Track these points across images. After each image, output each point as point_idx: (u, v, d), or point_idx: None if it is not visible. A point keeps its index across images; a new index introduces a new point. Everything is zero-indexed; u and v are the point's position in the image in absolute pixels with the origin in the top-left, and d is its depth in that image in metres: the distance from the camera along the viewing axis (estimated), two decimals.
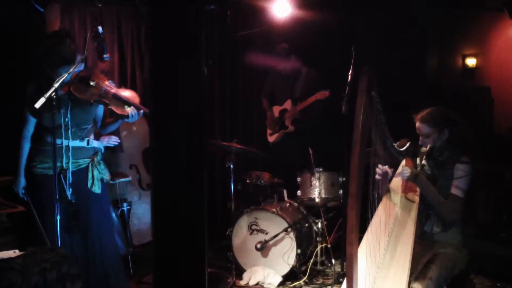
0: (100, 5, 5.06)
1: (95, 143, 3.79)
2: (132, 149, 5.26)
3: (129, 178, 5.01)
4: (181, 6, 2.01)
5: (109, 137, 4.50)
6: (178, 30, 2.02)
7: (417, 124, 3.42)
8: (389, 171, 3.43)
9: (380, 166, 3.39)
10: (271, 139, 6.04)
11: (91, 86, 3.57)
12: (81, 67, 3.66)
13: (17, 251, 2.82)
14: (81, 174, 3.68)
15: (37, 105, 3.18)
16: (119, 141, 4.57)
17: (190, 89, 2.03)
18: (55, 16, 4.82)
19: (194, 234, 2.14)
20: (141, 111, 3.73)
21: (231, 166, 4.94)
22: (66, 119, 3.57)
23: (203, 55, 2.03)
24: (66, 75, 3.39)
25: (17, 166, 3.62)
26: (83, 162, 3.71)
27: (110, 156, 4.88)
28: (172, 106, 2.05)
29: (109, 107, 3.66)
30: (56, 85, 3.30)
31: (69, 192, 3.56)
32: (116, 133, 4.70)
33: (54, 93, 3.25)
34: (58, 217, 3.32)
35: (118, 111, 3.68)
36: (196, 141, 2.07)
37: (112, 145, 4.48)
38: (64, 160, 3.58)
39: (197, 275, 2.16)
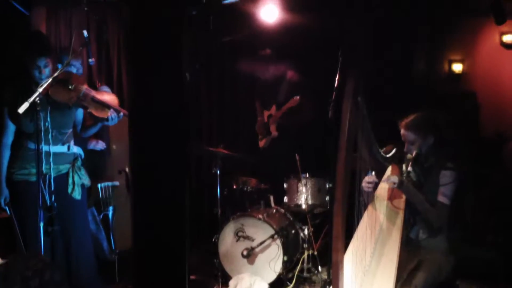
0: (86, 8, 5.03)
1: (75, 149, 3.75)
2: (121, 154, 5.22)
3: (117, 183, 4.96)
4: (160, 9, 1.99)
5: (96, 141, 4.47)
6: (158, 34, 2.00)
7: (402, 131, 3.42)
8: (375, 179, 3.42)
9: (367, 177, 3.36)
10: (260, 144, 6.03)
11: (70, 89, 3.53)
12: (74, 69, 3.62)
13: None
14: (61, 180, 3.65)
15: (21, 110, 3.15)
16: (105, 146, 4.54)
17: (170, 93, 2.00)
18: (40, 19, 4.77)
19: (174, 240, 2.11)
20: (121, 113, 3.71)
21: (218, 171, 4.91)
22: (46, 123, 3.53)
23: (184, 58, 2.01)
24: (50, 79, 3.36)
25: None
26: (64, 167, 3.68)
27: (97, 159, 4.83)
28: (151, 110, 2.03)
29: (88, 110, 3.63)
30: (40, 89, 3.27)
31: (48, 198, 3.51)
32: (105, 137, 4.67)
33: (37, 98, 3.21)
34: (42, 224, 3.28)
35: (97, 114, 3.65)
36: (177, 145, 2.05)
37: (99, 149, 4.45)
38: (45, 166, 3.53)
39: (178, 283, 2.13)
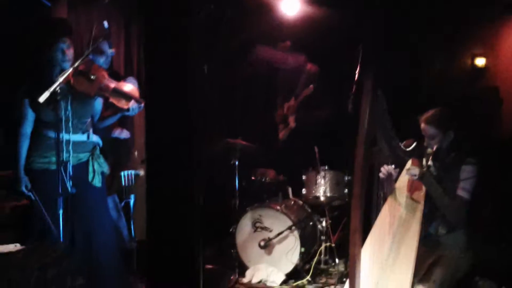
0: (106, 0, 5.04)
1: (94, 137, 3.78)
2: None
3: (140, 172, 4.99)
4: (174, 14, 2.00)
5: (121, 129, 4.51)
6: (172, 34, 2.01)
7: (422, 125, 3.39)
8: (394, 171, 3.40)
9: (385, 166, 3.35)
10: (280, 135, 6.03)
11: (92, 79, 3.56)
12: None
13: (18, 245, 2.80)
14: (81, 168, 3.67)
15: (41, 99, 3.18)
16: (129, 135, 4.57)
17: (186, 87, 2.02)
18: (61, 11, 4.79)
19: (188, 230, 2.13)
20: (142, 104, 3.73)
21: (236, 163, 4.92)
22: (67, 112, 3.56)
23: (200, 52, 2.02)
24: (71, 69, 3.38)
25: (16, 166, 3.57)
26: (84, 156, 3.70)
27: (121, 148, 4.86)
28: (166, 102, 2.04)
29: (109, 100, 3.66)
30: (61, 79, 3.29)
31: (69, 185, 3.54)
32: (129, 127, 4.70)
33: (58, 87, 3.24)
34: (61, 211, 3.32)
35: (119, 104, 3.68)
36: (192, 138, 2.06)
37: (123, 138, 4.48)
38: (65, 154, 3.56)
39: (192, 271, 2.14)
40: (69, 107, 3.56)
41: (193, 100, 2.06)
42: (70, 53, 3.56)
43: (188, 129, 2.07)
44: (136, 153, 5.15)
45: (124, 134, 4.51)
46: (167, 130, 2.08)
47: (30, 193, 3.60)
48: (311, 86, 5.54)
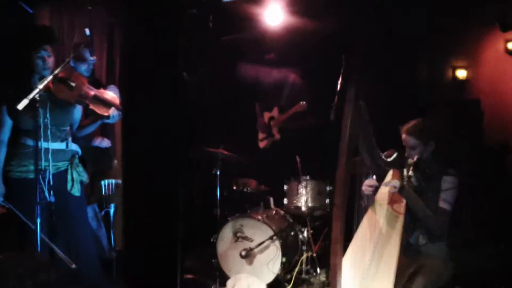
0: (90, 7, 5.02)
1: (73, 146, 3.75)
2: None
3: (119, 181, 4.96)
4: (158, 12, 1.99)
5: (101, 138, 4.48)
6: (155, 34, 1.99)
7: (403, 136, 3.41)
8: (376, 183, 3.40)
9: (367, 181, 3.36)
10: (261, 144, 6.03)
11: (72, 86, 3.53)
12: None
13: None
14: (60, 177, 3.64)
15: (20, 106, 3.14)
16: (110, 143, 4.53)
17: (167, 94, 2.00)
18: (44, 18, 4.76)
19: (168, 240, 2.11)
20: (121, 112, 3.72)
21: (218, 172, 4.90)
22: (46, 120, 3.52)
23: (181, 59, 2.01)
24: (51, 76, 3.34)
25: None
26: (62, 164, 3.67)
27: (102, 157, 4.82)
28: (146, 110, 2.03)
29: (90, 107, 3.64)
30: (41, 86, 3.26)
31: (47, 194, 3.50)
32: (110, 135, 4.67)
33: (37, 95, 3.21)
34: (39, 220, 3.27)
35: (99, 111, 3.66)
36: (173, 146, 2.05)
37: (104, 147, 4.44)
38: (44, 163, 3.52)
39: (171, 281, 2.12)
40: (47, 115, 3.53)
41: (176, 107, 2.05)
42: (50, 60, 3.54)
43: (170, 136, 2.05)
44: (116, 162, 5.12)
45: (105, 143, 4.47)
46: (148, 137, 2.07)
47: (5, 203, 3.55)
48: (304, 103, 5.55)
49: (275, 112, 5.86)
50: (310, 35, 5.67)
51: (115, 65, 5.55)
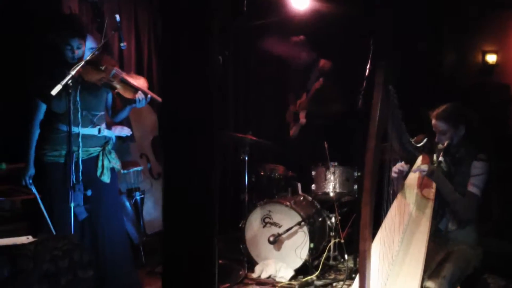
0: None
1: (106, 132, 3.78)
2: (142, 138, 5.26)
3: (141, 167, 5.01)
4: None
5: (121, 127, 4.51)
6: (190, 20, 2.00)
7: (433, 121, 3.38)
8: (405, 167, 3.39)
9: (397, 165, 3.34)
10: (291, 132, 6.02)
11: (100, 70, 3.57)
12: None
13: (30, 237, 2.81)
14: (91, 163, 3.67)
15: (54, 92, 3.19)
16: (131, 132, 4.57)
17: (201, 80, 2.01)
18: (72, 4, 4.80)
19: (203, 226, 2.13)
20: (149, 96, 3.74)
21: (246, 158, 4.91)
22: (76, 103, 3.56)
23: (215, 45, 2.01)
24: (83, 62, 3.39)
25: (26, 153, 3.59)
26: (94, 150, 3.70)
27: (122, 145, 4.88)
28: (183, 96, 2.04)
29: (116, 91, 3.67)
30: (73, 72, 3.30)
31: (75, 179, 3.54)
32: (127, 123, 4.71)
33: (70, 80, 3.26)
34: (72, 205, 3.33)
35: (125, 95, 3.69)
36: (206, 132, 2.05)
37: (124, 135, 4.48)
38: (75, 148, 3.56)
39: (207, 267, 2.14)
40: (77, 98, 3.57)
41: (211, 90, 2.05)
42: (80, 51, 3.57)
43: (205, 120, 2.06)
44: (135, 147, 5.18)
45: (125, 131, 4.50)
46: (183, 121, 2.07)
47: (31, 187, 3.61)
48: (321, 79, 5.54)
49: (303, 97, 5.84)
50: (338, 18, 5.64)
51: (143, 50, 5.60)
